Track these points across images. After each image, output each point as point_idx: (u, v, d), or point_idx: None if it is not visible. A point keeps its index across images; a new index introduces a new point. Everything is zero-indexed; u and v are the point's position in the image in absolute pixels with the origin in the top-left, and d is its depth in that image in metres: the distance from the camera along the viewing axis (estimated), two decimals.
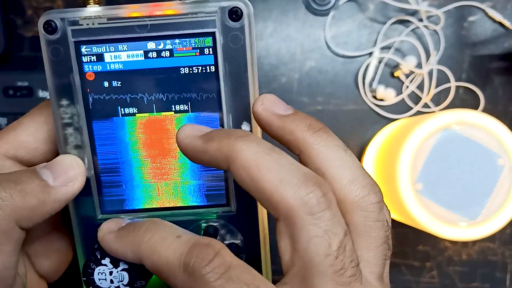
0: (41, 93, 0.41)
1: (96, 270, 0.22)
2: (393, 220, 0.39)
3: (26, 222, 0.21)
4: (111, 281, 0.23)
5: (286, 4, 0.44)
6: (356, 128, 0.45)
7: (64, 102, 0.22)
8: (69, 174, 0.22)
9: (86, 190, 0.23)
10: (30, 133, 0.23)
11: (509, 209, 0.36)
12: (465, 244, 0.45)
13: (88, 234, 0.24)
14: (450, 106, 0.45)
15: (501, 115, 0.45)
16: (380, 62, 0.45)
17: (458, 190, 0.36)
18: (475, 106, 0.45)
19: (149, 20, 0.21)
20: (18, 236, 0.21)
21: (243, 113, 0.22)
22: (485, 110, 0.45)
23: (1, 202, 0.20)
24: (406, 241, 0.45)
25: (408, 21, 0.45)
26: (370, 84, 0.45)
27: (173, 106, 0.22)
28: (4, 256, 0.20)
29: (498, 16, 0.44)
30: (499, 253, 0.46)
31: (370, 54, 0.45)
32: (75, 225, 0.24)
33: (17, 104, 0.41)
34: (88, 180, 0.23)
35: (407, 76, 0.45)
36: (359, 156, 0.45)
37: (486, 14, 0.45)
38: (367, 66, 0.45)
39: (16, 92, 0.41)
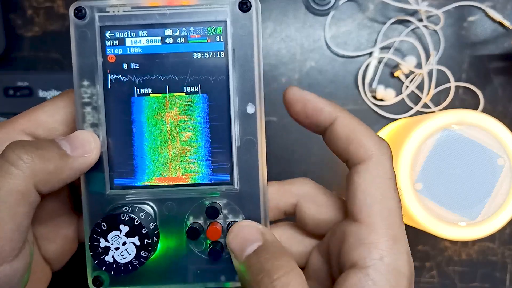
0: (41, 93, 0.41)
1: (102, 242, 0.23)
2: None
3: (44, 185, 0.22)
4: (117, 249, 0.23)
5: (286, 4, 0.44)
6: None
7: (85, 82, 0.25)
8: (86, 147, 0.24)
9: (98, 165, 0.25)
10: (50, 114, 0.25)
11: (509, 209, 0.36)
12: (465, 244, 0.45)
13: (96, 209, 0.25)
14: (450, 106, 0.45)
15: (501, 115, 0.45)
16: (380, 62, 0.45)
17: (458, 190, 0.36)
18: (475, 106, 0.45)
19: (168, 10, 0.24)
20: (34, 199, 0.22)
21: (249, 95, 0.25)
22: (484, 110, 0.45)
23: (22, 163, 0.21)
24: None
25: (408, 21, 0.45)
26: (370, 84, 0.45)
27: (184, 87, 0.25)
28: (19, 217, 0.21)
29: (498, 16, 0.44)
30: (499, 253, 0.46)
31: (370, 54, 0.45)
32: (85, 199, 0.25)
33: (17, 104, 0.41)
34: (100, 156, 0.25)
35: (407, 76, 0.45)
36: None
37: (486, 14, 0.45)
38: (367, 66, 0.45)
39: (16, 92, 0.41)
